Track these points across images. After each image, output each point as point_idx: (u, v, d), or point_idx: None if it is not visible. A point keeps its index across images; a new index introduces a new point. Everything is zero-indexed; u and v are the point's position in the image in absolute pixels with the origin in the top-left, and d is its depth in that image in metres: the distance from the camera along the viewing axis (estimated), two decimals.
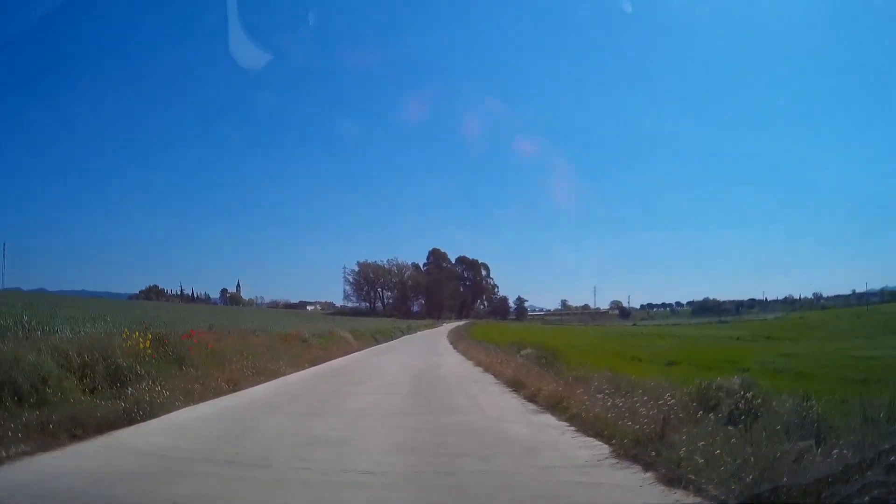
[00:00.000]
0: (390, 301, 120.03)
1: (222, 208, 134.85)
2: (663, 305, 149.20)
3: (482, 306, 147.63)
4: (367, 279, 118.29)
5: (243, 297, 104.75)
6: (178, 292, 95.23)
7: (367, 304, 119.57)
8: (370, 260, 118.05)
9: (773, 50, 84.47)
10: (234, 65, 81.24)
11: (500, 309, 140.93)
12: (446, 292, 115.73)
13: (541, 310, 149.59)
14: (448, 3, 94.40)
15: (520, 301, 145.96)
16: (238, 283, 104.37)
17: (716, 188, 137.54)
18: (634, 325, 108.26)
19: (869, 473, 3.67)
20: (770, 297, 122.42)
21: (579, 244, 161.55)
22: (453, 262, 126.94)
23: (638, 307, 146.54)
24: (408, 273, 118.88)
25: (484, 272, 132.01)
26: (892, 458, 3.83)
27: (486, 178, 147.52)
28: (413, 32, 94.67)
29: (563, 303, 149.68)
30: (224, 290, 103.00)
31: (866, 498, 3.39)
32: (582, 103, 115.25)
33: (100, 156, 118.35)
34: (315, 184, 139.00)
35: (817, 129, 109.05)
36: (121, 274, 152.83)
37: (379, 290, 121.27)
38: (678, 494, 4.39)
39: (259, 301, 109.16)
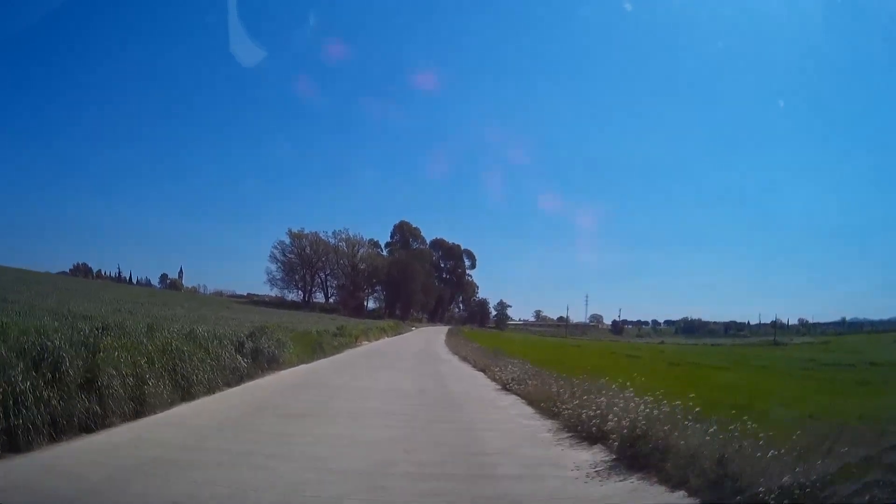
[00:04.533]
0: (334, 292, 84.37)
1: (171, 193, 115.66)
2: (639, 322, 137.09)
3: (457, 309, 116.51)
4: (303, 257, 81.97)
5: (185, 284, 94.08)
6: (116, 274, 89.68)
7: (302, 294, 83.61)
8: (308, 230, 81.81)
9: (771, 76, 77.49)
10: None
11: (478, 314, 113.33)
12: (417, 282, 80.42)
13: (519, 320, 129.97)
14: None
15: (501, 306, 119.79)
16: (180, 270, 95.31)
17: (686, 210, 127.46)
18: (662, 342, 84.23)
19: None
20: (752, 321, 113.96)
21: (556, 255, 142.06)
22: (427, 244, 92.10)
23: (609, 322, 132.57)
24: (362, 251, 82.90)
25: (467, 262, 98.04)
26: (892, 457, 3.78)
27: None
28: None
29: (538, 313, 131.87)
30: (164, 276, 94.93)
31: (866, 498, 3.35)
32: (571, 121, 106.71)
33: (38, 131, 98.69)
34: (277, 176, 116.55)
35: (792, 156, 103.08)
36: (36, 249, 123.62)
37: (321, 275, 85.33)
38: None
39: (201, 289, 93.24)
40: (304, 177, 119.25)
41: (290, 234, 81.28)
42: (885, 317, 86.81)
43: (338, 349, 19.80)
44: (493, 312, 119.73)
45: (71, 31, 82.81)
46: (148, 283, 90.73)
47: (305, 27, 67.28)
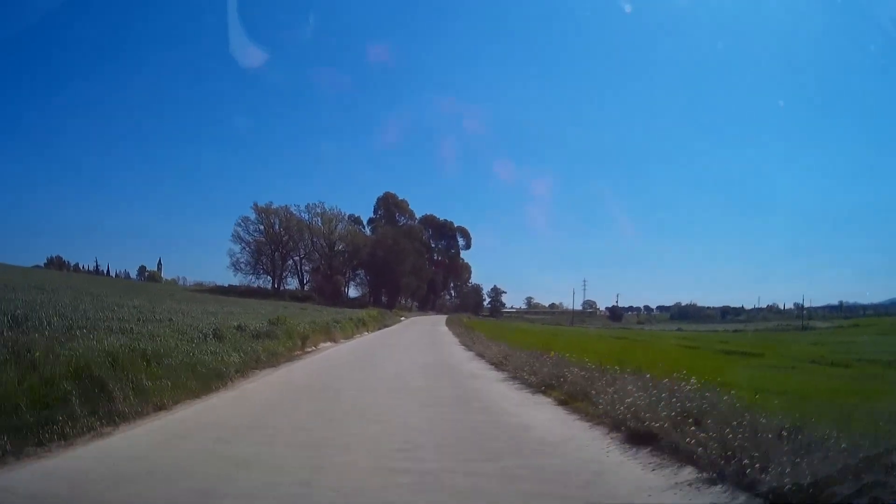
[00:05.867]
0: (308, 277, 72.30)
1: (156, 187, 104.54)
2: (631, 309, 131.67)
3: (448, 296, 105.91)
4: (272, 236, 69.67)
5: (164, 276, 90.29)
6: (94, 267, 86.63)
7: (271, 280, 71.38)
8: (277, 204, 69.41)
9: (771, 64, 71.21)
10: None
11: (471, 301, 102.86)
12: (406, 264, 68.44)
13: (510, 307, 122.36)
14: None
15: (496, 293, 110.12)
16: (159, 262, 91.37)
17: (674, 194, 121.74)
18: (680, 329, 73.16)
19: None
20: (747, 306, 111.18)
21: (541, 240, 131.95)
22: (416, 220, 79.91)
23: (603, 309, 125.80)
24: (340, 227, 70.47)
25: (461, 241, 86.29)
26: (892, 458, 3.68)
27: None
28: None
29: (529, 300, 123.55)
30: (142, 268, 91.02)
31: (866, 498, 3.33)
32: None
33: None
34: (245, 158, 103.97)
35: (779, 142, 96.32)
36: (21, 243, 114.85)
37: (295, 257, 73.16)
38: None
39: (181, 282, 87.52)
40: (274, 156, 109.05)
41: (256, 208, 68.67)
42: (876, 300, 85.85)
43: (223, 381, 8.07)
44: (487, 299, 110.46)
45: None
46: (127, 276, 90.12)
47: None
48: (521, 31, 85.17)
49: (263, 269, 71.90)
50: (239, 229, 68.90)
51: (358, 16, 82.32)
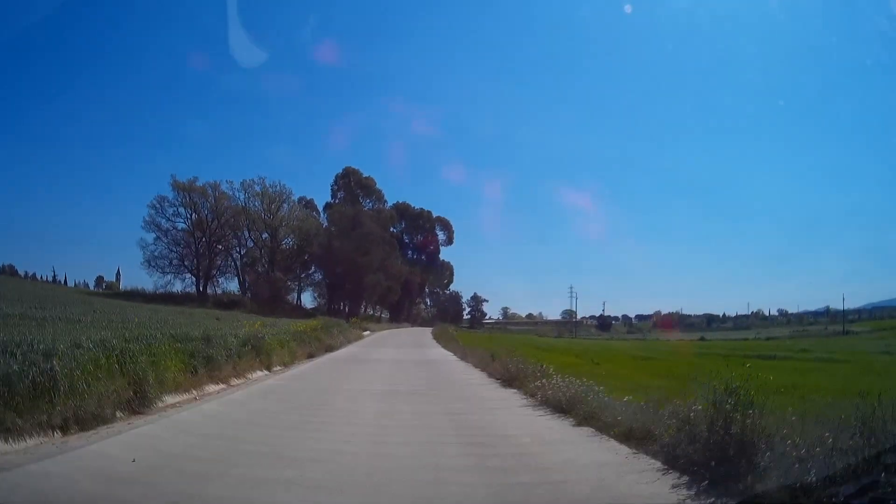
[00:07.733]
0: (247, 277, 55.43)
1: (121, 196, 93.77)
2: (609, 318, 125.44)
3: (424, 304, 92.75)
4: (199, 224, 52.81)
5: (121, 286, 77.80)
6: (51, 277, 77.94)
7: (195, 280, 54.31)
8: (205, 180, 52.75)
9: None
10: None
11: (450, 310, 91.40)
12: (375, 259, 52.09)
13: (490, 317, 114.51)
14: None
15: (476, 301, 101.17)
16: (118, 272, 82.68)
17: (647, 202, 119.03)
18: (702, 338, 64.59)
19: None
20: (728, 313, 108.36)
21: (519, 247, 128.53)
22: (386, 206, 63.81)
23: (581, 318, 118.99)
24: (286, 210, 53.80)
25: (441, 235, 70.94)
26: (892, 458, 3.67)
27: None
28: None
29: (505, 311, 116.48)
30: (100, 278, 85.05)
31: (866, 498, 3.29)
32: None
33: None
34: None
35: (758, 145, 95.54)
36: None
37: (233, 253, 56.52)
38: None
39: (140, 290, 71.46)
40: (227, 160, 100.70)
41: (176, 185, 51.83)
42: (857, 305, 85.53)
43: None
44: (466, 308, 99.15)
45: None
46: (86, 286, 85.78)
47: None
48: (493, 35, 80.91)
49: (187, 266, 55.06)
50: (153, 212, 52.16)
51: (311, 17, 72.80)
